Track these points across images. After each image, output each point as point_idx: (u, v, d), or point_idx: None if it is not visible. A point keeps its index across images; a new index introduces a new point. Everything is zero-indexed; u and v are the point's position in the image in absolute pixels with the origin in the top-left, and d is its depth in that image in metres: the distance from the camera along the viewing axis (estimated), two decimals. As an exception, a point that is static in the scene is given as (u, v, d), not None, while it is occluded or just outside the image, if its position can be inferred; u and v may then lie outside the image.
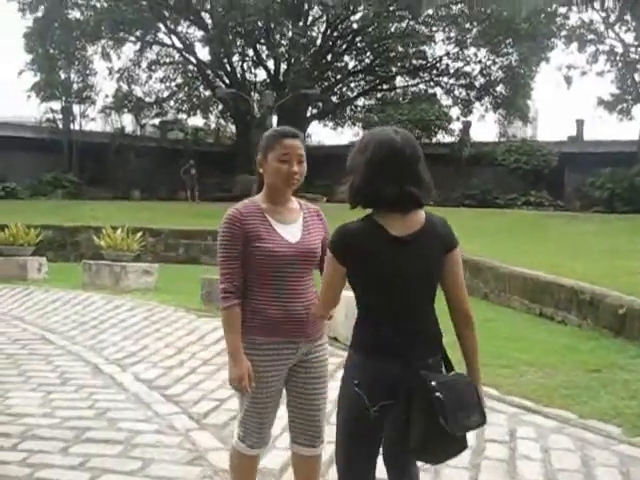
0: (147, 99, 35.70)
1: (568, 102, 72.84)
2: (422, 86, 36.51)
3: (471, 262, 11.47)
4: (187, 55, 34.75)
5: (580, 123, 29.62)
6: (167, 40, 34.66)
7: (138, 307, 9.20)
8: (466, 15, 32.24)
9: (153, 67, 35.61)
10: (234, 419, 4.68)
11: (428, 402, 2.33)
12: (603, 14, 25.55)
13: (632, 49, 26.19)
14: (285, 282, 2.89)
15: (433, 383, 2.35)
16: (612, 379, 5.92)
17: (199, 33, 34.11)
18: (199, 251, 18.20)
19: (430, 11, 32.57)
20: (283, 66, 34.31)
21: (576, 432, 4.54)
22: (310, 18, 34.09)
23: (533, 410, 4.97)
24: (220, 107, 36.59)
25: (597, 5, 24.91)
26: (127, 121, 36.23)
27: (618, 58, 26.94)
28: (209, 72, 35.01)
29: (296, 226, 2.96)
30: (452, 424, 2.33)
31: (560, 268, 10.49)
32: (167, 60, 35.91)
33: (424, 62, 35.84)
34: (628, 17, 25.88)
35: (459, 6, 32.50)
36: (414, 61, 35.92)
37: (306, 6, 33.08)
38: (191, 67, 35.51)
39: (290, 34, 32.03)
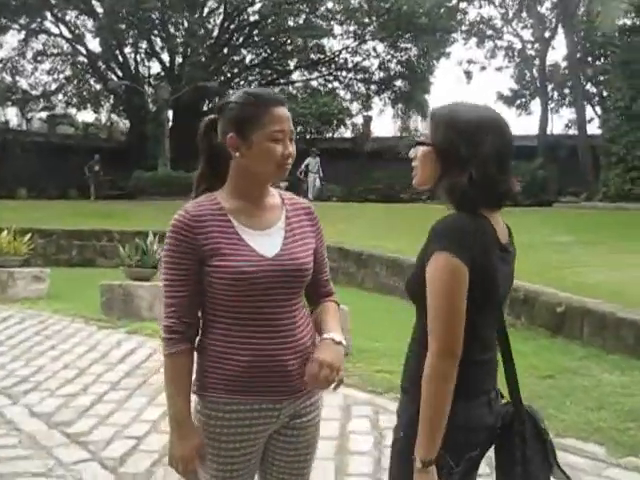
0: (33, 92, 33.55)
1: (469, 97, 74.05)
2: (321, 80, 36.09)
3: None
4: (76, 45, 32.86)
5: (480, 118, 29.74)
6: (54, 29, 32.64)
7: (29, 319, 8.12)
8: (365, 9, 31.99)
9: (39, 58, 33.44)
10: (158, 463, 3.88)
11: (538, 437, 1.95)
12: (502, 10, 25.82)
13: (529, 45, 26.59)
14: (261, 315, 2.02)
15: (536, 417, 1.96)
16: (570, 386, 5.45)
17: (89, 22, 32.33)
18: (94, 253, 16.94)
19: (329, 4, 32.19)
20: (178, 59, 33.09)
21: (558, 455, 3.96)
22: (206, 9, 33.00)
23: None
24: (112, 101, 34.89)
25: (496, 1, 25.08)
26: (12, 115, 34.07)
27: (516, 54, 27.30)
28: (100, 64, 33.25)
29: (275, 232, 2.09)
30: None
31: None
32: (55, 51, 33.84)
33: (322, 56, 35.43)
34: (525, 14, 26.23)
35: (357, 0, 32.21)
36: (312, 55, 35.44)
37: (202, -4, 31.97)
38: (81, 58, 33.63)
39: (186, 25, 30.80)
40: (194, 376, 2.05)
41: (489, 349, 1.91)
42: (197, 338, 2.07)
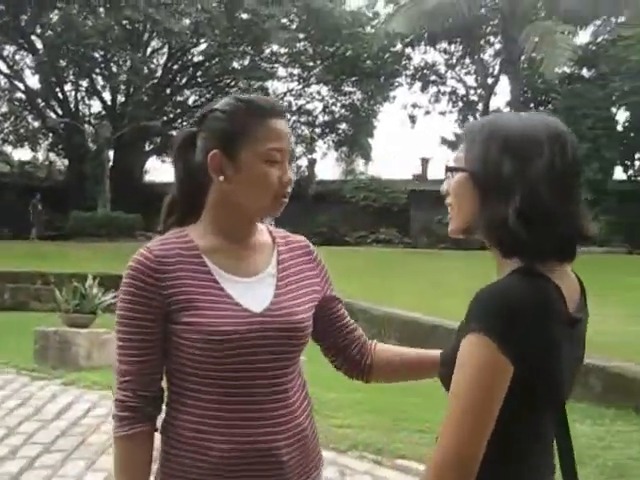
0: (-33, 128, 32.48)
1: (414, 140, 75.37)
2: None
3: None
4: (14, 81, 32.00)
5: (425, 161, 30.00)
6: (-9, 64, 31.79)
7: (-49, 369, 7.44)
8: (310, 53, 32.13)
9: (-26, 93, 32.50)
10: None
11: None
12: (446, 56, 26.20)
13: (472, 91, 26.98)
14: (246, 388, 1.55)
15: None
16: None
17: (28, 58, 31.54)
18: (28, 296, 16.11)
19: (274, 47, 32.20)
20: (120, 97, 32.51)
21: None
22: (150, 49, 32.64)
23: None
24: (51, 139, 33.98)
25: (440, 47, 25.44)
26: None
27: (459, 99, 27.66)
28: (39, 101, 32.39)
29: (264, 279, 1.63)
30: None
31: (436, 308, 9.85)
32: (-9, 87, 32.93)
33: (267, 99, 35.35)
34: (468, 60, 26.67)
35: (303, 43, 32.33)
36: (256, 97, 35.32)
37: (147, 36, 31.58)
38: (19, 95, 32.72)
39: (129, 63, 30.34)
40: (155, 466, 1.58)
41: (546, 452, 1.40)
42: (160, 416, 1.60)
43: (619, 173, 21.10)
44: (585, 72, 20.29)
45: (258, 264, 1.64)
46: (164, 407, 1.61)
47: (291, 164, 1.63)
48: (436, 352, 1.66)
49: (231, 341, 1.51)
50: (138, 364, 1.54)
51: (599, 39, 20.90)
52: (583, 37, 19.79)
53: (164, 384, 1.61)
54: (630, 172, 21.91)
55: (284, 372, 1.59)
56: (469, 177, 1.37)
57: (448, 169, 1.43)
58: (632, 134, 20.99)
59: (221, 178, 1.56)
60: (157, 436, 1.59)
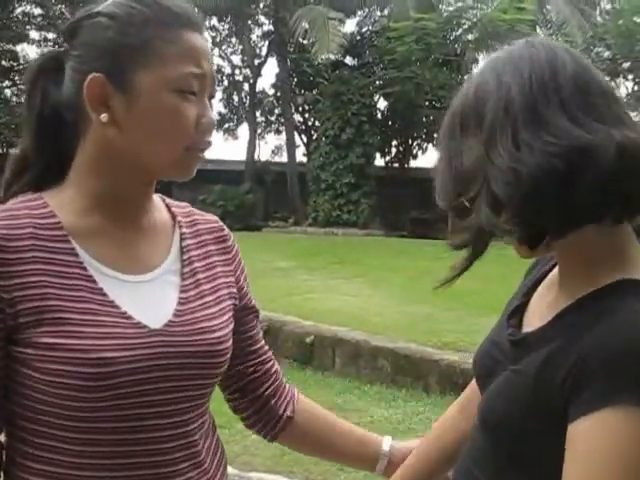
0: None
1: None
2: (14, 89, 33.12)
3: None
4: None
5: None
6: None
7: None
8: (67, 16, 30.03)
9: None
10: None
11: None
12: (213, 33, 25.71)
13: (238, 71, 26.80)
14: (135, 442, 1.05)
15: None
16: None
17: None
18: None
19: (27, 7, 29.65)
20: None
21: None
22: None
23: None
24: None
25: (209, 24, 24.96)
26: None
27: (225, 78, 27.35)
28: None
29: (162, 277, 1.13)
30: None
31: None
32: None
33: (15, 63, 32.59)
34: (235, 39, 26.42)
35: (60, 6, 30.12)
36: (4, 62, 32.42)
37: None
38: None
39: None
40: None
41: None
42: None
43: (378, 159, 22.16)
44: (349, 60, 20.93)
45: (153, 255, 1.14)
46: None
47: (211, 101, 1.14)
48: (385, 441, 1.32)
49: (116, 373, 1.01)
50: None
51: (364, 29, 21.67)
52: (350, 26, 20.49)
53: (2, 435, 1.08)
54: (387, 159, 23.11)
55: (191, 416, 1.12)
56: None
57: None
58: (390, 122, 22.11)
59: (103, 117, 1.04)
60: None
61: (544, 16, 19.62)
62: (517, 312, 1.15)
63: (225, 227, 1.31)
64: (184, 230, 1.21)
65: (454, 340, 6.77)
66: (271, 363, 1.35)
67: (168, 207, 1.24)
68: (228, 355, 1.18)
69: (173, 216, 1.22)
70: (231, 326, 1.20)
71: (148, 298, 1.09)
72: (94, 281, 1.05)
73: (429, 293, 8.74)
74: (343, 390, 6.08)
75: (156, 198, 1.22)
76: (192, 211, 1.28)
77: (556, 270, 1.10)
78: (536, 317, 1.08)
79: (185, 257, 1.17)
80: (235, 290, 1.24)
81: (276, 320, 7.52)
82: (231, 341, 1.19)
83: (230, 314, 1.21)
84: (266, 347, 1.34)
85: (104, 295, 1.05)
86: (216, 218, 1.32)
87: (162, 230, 1.18)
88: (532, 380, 0.96)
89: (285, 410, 1.33)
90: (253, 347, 1.31)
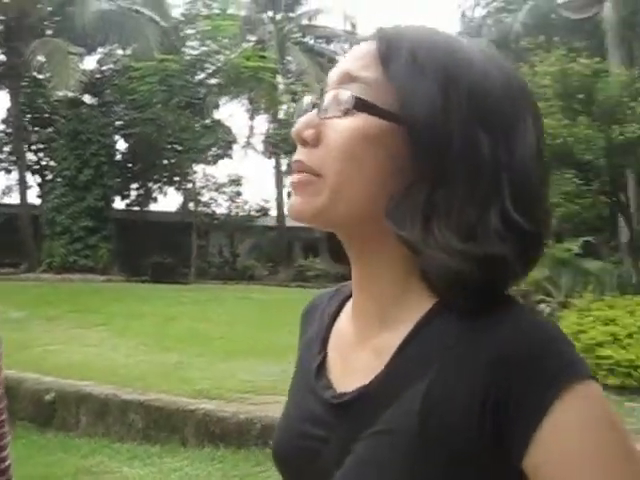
0: None
1: None
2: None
3: None
4: None
5: None
6: None
7: None
8: None
9: None
10: None
11: None
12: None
13: None
14: None
15: None
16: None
17: None
18: None
19: None
20: None
21: None
22: None
23: None
24: None
25: None
26: None
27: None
28: None
29: None
30: None
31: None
32: None
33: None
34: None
35: None
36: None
37: None
38: None
39: None
40: None
41: None
42: None
43: (118, 202, 21.47)
44: (88, 98, 20.11)
45: None
46: None
47: None
48: None
49: None
50: None
51: (105, 67, 20.99)
52: (90, 63, 19.67)
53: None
54: (127, 201, 22.48)
55: None
56: (404, 132, 0.78)
57: (341, 101, 0.80)
58: (130, 164, 21.58)
59: None
60: None
61: (284, 66, 20.47)
62: (321, 373, 0.90)
63: None
64: None
65: (208, 387, 6.57)
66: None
67: None
68: None
69: None
70: None
71: None
72: None
73: (176, 340, 8.61)
74: (91, 451, 5.57)
75: None
76: None
77: (343, 320, 0.92)
78: (350, 371, 0.86)
79: None
80: None
81: (11, 378, 6.77)
82: None
83: None
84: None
85: None
86: None
87: None
88: (417, 431, 0.75)
89: None
90: None
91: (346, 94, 0.79)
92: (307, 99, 0.87)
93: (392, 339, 0.82)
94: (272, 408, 5.96)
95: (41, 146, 21.62)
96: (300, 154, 0.83)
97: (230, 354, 8.51)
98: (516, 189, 0.78)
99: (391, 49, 0.81)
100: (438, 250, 0.76)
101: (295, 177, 0.82)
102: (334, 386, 0.87)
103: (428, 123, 0.77)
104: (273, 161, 24.39)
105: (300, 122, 0.83)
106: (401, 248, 0.79)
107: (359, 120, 0.78)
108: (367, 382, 0.82)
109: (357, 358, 0.87)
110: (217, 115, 20.79)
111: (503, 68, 0.83)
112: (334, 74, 0.85)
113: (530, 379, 0.73)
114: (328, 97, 0.82)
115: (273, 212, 25.20)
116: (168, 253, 19.63)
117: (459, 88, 0.78)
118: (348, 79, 0.81)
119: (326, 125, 0.81)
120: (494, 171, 0.78)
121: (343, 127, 0.79)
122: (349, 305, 0.92)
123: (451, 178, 0.77)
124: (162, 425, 5.87)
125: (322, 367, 0.91)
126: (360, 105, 0.78)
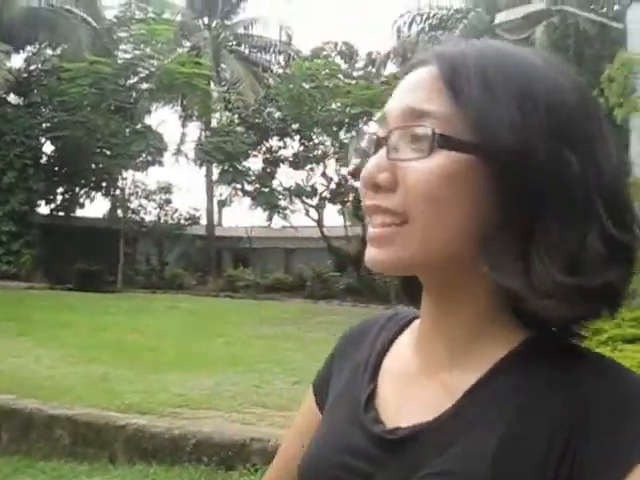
0: None
1: None
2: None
3: None
4: None
5: None
6: None
7: None
8: None
9: None
10: None
11: None
12: None
13: None
14: None
15: None
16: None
17: None
18: None
19: None
20: None
21: None
22: None
23: None
24: None
25: None
26: None
27: None
28: None
29: None
30: None
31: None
32: None
33: None
34: None
35: None
36: None
37: None
38: None
39: None
40: None
41: None
42: None
43: (43, 207, 20.79)
44: (14, 98, 19.43)
45: None
46: None
47: None
48: None
49: None
50: None
51: (33, 67, 20.31)
52: (17, 61, 19.00)
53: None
54: (53, 205, 21.78)
55: None
56: (484, 163, 0.71)
57: (419, 140, 0.72)
58: (57, 168, 20.92)
59: None
60: None
61: (218, 73, 20.21)
62: (369, 404, 0.84)
63: None
64: None
65: (139, 401, 6.31)
66: None
67: None
68: None
69: None
70: None
71: None
72: None
73: (104, 350, 8.28)
74: (12, 471, 5.22)
75: None
76: None
77: (403, 347, 0.84)
78: (408, 404, 0.80)
79: None
80: None
81: None
82: None
83: None
84: None
85: None
86: None
87: None
88: (488, 475, 0.69)
89: None
90: None
91: (424, 131, 0.72)
92: (363, 139, 0.80)
93: (465, 376, 0.76)
94: (206, 423, 5.76)
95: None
96: (375, 199, 0.75)
97: (161, 366, 8.24)
98: (609, 205, 0.70)
99: (457, 74, 0.73)
100: (544, 294, 0.70)
101: (379, 230, 0.75)
102: (384, 420, 0.81)
103: (512, 148, 0.69)
104: (204, 170, 24.04)
105: (371, 165, 0.75)
106: (485, 283, 0.75)
107: (439, 158, 0.71)
108: (430, 419, 0.76)
109: (420, 392, 0.80)
110: (149, 121, 20.44)
111: (570, 76, 0.75)
112: (394, 109, 0.76)
113: (614, 432, 0.67)
114: (395, 136, 0.74)
115: (203, 221, 24.87)
116: (94, 260, 19.08)
117: (537, 104, 0.71)
118: (417, 115, 0.73)
119: (400, 167, 0.73)
120: (585, 189, 0.70)
121: (424, 168, 0.72)
122: (408, 333, 0.87)
123: (545, 206, 0.69)
124: (90, 441, 5.57)
125: (371, 398, 0.84)
126: (442, 142, 0.71)
